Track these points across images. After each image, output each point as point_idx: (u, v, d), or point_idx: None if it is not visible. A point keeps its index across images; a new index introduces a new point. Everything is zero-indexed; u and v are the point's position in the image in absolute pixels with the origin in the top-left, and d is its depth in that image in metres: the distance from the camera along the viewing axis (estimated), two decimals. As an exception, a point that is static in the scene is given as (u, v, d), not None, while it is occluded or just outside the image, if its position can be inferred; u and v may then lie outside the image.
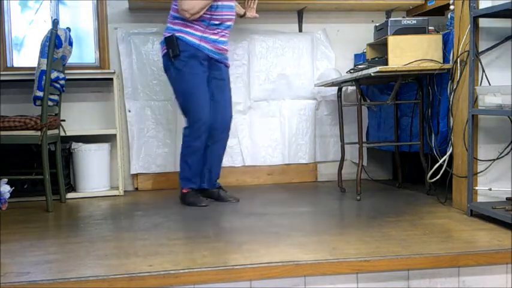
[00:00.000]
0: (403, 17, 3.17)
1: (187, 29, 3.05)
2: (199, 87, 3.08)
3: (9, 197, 3.21)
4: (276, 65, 4.02)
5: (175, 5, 3.07)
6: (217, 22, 3.08)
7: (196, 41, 3.05)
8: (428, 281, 1.95)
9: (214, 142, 3.24)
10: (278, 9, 4.00)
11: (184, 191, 3.20)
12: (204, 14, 3.03)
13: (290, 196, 3.44)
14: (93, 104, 3.89)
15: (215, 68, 3.19)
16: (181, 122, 3.89)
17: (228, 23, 3.14)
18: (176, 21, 3.08)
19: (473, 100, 2.57)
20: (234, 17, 3.18)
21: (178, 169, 3.87)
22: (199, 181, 3.23)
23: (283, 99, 4.05)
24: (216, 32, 3.10)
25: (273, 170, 4.06)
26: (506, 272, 1.98)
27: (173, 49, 3.03)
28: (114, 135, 3.75)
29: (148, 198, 3.54)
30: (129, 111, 3.86)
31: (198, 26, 3.05)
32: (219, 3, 3.05)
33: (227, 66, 3.29)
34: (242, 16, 3.48)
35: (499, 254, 1.98)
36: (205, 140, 3.15)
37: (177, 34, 3.04)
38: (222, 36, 3.14)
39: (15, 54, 3.83)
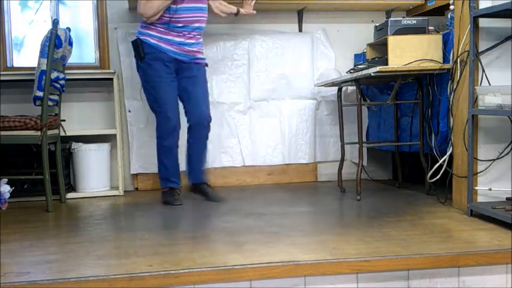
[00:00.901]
0: (403, 17, 3.17)
1: (150, 32, 3.12)
2: (164, 89, 3.15)
3: (9, 197, 3.21)
4: (276, 65, 4.02)
5: None
6: (179, 24, 3.10)
7: (157, 43, 3.11)
8: (428, 281, 1.95)
9: (194, 139, 3.29)
10: (278, 9, 4.00)
11: (164, 190, 3.28)
12: (163, 16, 3.07)
13: (290, 196, 3.44)
14: (93, 104, 3.89)
15: (185, 68, 3.21)
16: (181, 122, 3.90)
17: (196, 25, 3.15)
18: (142, 24, 3.17)
19: (473, 100, 2.57)
20: (203, 18, 3.20)
21: (178, 169, 3.92)
22: (178, 180, 3.30)
23: (283, 99, 4.05)
24: (181, 34, 3.12)
25: (273, 170, 4.06)
26: (506, 272, 1.98)
27: (138, 52, 3.13)
28: (114, 135, 3.75)
29: (148, 198, 3.54)
30: (129, 111, 3.86)
31: (160, 28, 3.11)
32: (179, 5, 3.07)
33: (203, 66, 3.31)
34: (236, 14, 3.49)
35: (499, 254, 1.98)
36: (175, 140, 3.22)
37: (142, 37, 3.13)
38: (190, 38, 3.15)
39: (15, 54, 3.83)
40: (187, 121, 3.29)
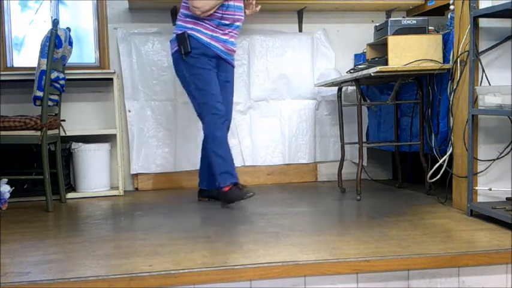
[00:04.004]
0: (403, 17, 3.17)
1: (198, 27, 3.04)
2: (212, 81, 3.08)
3: (9, 197, 3.22)
4: (276, 65, 4.02)
5: (186, 3, 3.05)
6: (227, 22, 3.07)
7: (207, 40, 3.05)
8: (428, 281, 1.95)
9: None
10: (278, 9, 4.00)
11: (226, 189, 3.02)
12: (215, 12, 3.02)
13: (290, 196, 3.44)
14: (93, 104, 3.89)
15: (222, 69, 3.18)
16: (182, 121, 3.91)
17: (238, 23, 3.14)
18: (187, 19, 3.06)
19: (473, 100, 2.57)
20: (243, 17, 3.18)
21: (178, 169, 3.92)
22: (236, 173, 3.09)
23: (283, 99, 4.05)
24: (226, 32, 3.09)
25: (273, 170, 4.06)
26: (506, 272, 1.98)
27: (184, 46, 3.01)
28: (114, 135, 3.75)
29: (148, 198, 3.54)
30: (129, 111, 3.86)
31: (208, 25, 3.05)
32: (230, 2, 3.05)
33: (233, 67, 3.29)
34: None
35: (499, 254, 1.98)
36: (226, 131, 3.14)
37: (189, 32, 3.03)
38: (231, 36, 3.14)
39: (15, 54, 3.83)
40: None
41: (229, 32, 3.11)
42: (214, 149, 3.05)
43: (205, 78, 3.06)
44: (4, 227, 2.67)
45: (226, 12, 3.05)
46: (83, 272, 1.83)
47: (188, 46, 3.01)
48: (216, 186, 3.14)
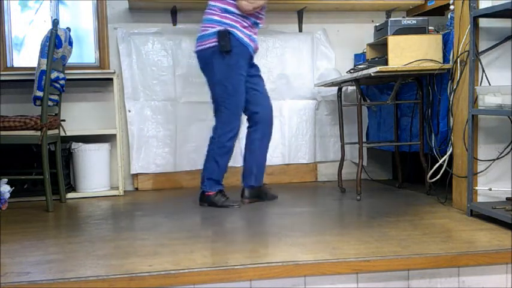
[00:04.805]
0: (403, 17, 3.17)
1: (237, 25, 2.97)
2: (240, 89, 3.04)
3: (9, 197, 3.22)
4: (276, 65, 4.02)
5: None
6: (259, 22, 3.07)
7: (246, 39, 3.00)
8: (428, 281, 1.95)
9: (263, 137, 3.18)
10: (278, 9, 4.00)
11: (210, 193, 3.07)
12: (259, 11, 3.01)
13: (290, 196, 3.44)
14: (93, 104, 3.89)
15: (252, 66, 3.18)
16: (182, 121, 3.91)
17: (262, 24, 3.15)
18: (226, 14, 2.96)
19: (473, 100, 2.57)
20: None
21: (178, 169, 3.92)
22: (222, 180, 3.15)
23: (283, 99, 4.05)
24: (255, 31, 3.09)
25: (273, 170, 4.05)
26: (506, 272, 1.98)
27: (226, 44, 2.92)
28: (114, 135, 3.75)
29: (148, 198, 3.54)
30: (129, 111, 3.86)
31: (246, 23, 3.00)
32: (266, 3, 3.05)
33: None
34: None
35: (499, 254, 1.98)
36: (235, 142, 3.12)
37: (230, 29, 2.95)
38: (256, 35, 3.13)
39: (15, 54, 3.83)
40: (252, 119, 3.17)
41: (256, 31, 3.11)
42: (217, 156, 3.06)
43: (236, 84, 3.02)
44: (4, 227, 2.67)
45: (261, 12, 3.05)
46: (83, 272, 1.83)
47: (229, 44, 2.93)
48: (259, 184, 3.19)
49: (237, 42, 2.96)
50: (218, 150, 3.06)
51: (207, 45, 2.99)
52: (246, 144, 3.21)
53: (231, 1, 2.95)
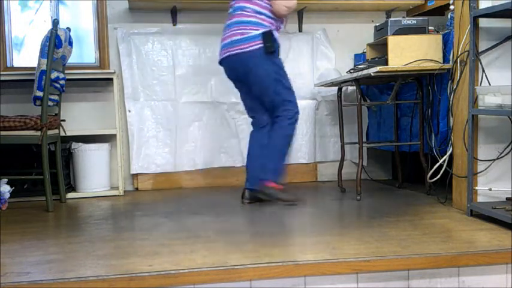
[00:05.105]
0: (403, 17, 3.17)
1: (273, 27, 3.06)
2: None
3: (9, 197, 3.22)
4: (276, 65, 4.02)
5: (263, 1, 3.02)
6: (282, 25, 3.15)
7: (277, 37, 3.07)
8: (428, 281, 1.95)
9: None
10: (278, 9, 3.99)
11: (273, 184, 3.04)
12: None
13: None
14: (93, 104, 3.89)
15: None
16: (182, 121, 3.91)
17: (282, 28, 3.21)
18: (263, 17, 3.02)
19: (473, 100, 2.57)
20: None
21: (178, 169, 3.92)
22: None
23: (283, 99, 4.05)
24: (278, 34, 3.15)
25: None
26: (506, 272, 1.98)
27: (271, 45, 2.98)
28: (114, 135, 3.75)
29: (148, 198, 3.55)
30: (129, 111, 3.86)
31: (276, 26, 3.09)
32: None
33: None
34: None
35: (499, 254, 1.98)
36: None
37: (272, 30, 3.03)
38: None
39: (15, 54, 3.83)
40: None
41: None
42: (286, 148, 3.10)
43: (288, 78, 3.11)
44: (4, 227, 2.67)
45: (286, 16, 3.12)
46: (83, 272, 1.83)
47: (274, 45, 3.00)
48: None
49: (277, 43, 3.05)
50: (286, 140, 3.09)
51: (251, 48, 2.99)
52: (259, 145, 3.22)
53: (266, 4, 3.01)
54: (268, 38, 2.98)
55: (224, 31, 3.11)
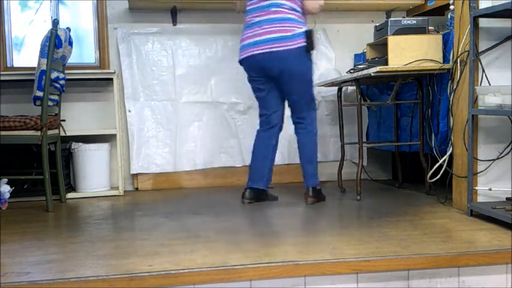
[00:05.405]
0: (403, 17, 3.17)
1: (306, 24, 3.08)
2: None
3: (9, 197, 3.22)
4: (276, 65, 4.02)
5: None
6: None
7: None
8: (428, 281, 1.95)
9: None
10: (278, 9, 3.99)
11: (319, 187, 3.17)
12: None
13: (290, 196, 3.44)
14: (93, 104, 3.89)
15: None
16: (182, 121, 3.91)
17: None
18: (299, 14, 3.01)
19: (473, 100, 2.57)
20: None
21: (178, 169, 3.92)
22: None
23: (283, 99, 4.05)
24: None
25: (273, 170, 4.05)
26: (506, 272, 1.98)
27: (312, 43, 2.97)
28: (114, 135, 3.76)
29: (148, 198, 3.55)
30: (129, 111, 3.86)
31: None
32: None
33: None
34: None
35: (499, 254, 1.98)
36: None
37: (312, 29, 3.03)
38: None
39: (15, 54, 3.83)
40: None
41: None
42: (316, 150, 3.15)
43: None
44: (4, 227, 2.67)
45: None
46: (83, 272, 1.83)
47: (314, 43, 2.99)
48: (267, 187, 3.23)
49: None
50: (315, 139, 3.15)
51: (296, 45, 2.95)
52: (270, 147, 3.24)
53: (298, 1, 3.01)
54: (310, 37, 2.97)
55: (252, 28, 3.03)
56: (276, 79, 3.06)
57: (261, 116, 3.26)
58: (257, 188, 3.18)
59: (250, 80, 3.19)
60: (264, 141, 3.20)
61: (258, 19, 3.02)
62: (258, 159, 3.19)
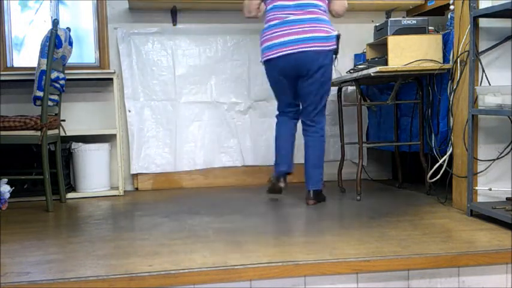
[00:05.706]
0: (403, 17, 3.17)
1: None
2: None
3: (9, 197, 3.22)
4: (276, 65, 4.02)
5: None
6: None
7: None
8: (428, 281, 1.95)
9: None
10: (278, 9, 3.99)
11: (322, 188, 3.18)
12: None
13: (290, 196, 3.43)
14: (93, 104, 3.89)
15: None
16: (182, 121, 3.92)
17: None
18: (328, 16, 3.03)
19: (473, 100, 2.57)
20: None
21: (178, 169, 3.92)
22: None
23: (283, 99, 4.05)
24: None
25: (273, 170, 4.04)
26: (506, 272, 1.98)
27: (338, 47, 3.00)
28: (114, 135, 3.75)
29: (148, 198, 3.55)
30: (129, 111, 3.86)
31: None
32: None
33: None
34: None
35: (499, 254, 1.98)
36: None
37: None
38: None
39: (15, 54, 3.83)
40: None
41: None
42: (324, 152, 3.15)
43: None
44: (4, 227, 2.67)
45: None
46: (83, 272, 1.83)
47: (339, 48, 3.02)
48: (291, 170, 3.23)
49: None
50: (324, 145, 3.16)
51: (329, 47, 2.96)
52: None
53: (327, 3, 3.04)
54: (338, 41, 2.99)
55: (284, 26, 2.96)
56: (301, 78, 3.02)
57: (286, 112, 3.24)
58: (285, 171, 3.20)
59: (274, 81, 3.14)
60: (290, 130, 3.23)
61: (292, 17, 2.94)
62: (285, 142, 3.22)
